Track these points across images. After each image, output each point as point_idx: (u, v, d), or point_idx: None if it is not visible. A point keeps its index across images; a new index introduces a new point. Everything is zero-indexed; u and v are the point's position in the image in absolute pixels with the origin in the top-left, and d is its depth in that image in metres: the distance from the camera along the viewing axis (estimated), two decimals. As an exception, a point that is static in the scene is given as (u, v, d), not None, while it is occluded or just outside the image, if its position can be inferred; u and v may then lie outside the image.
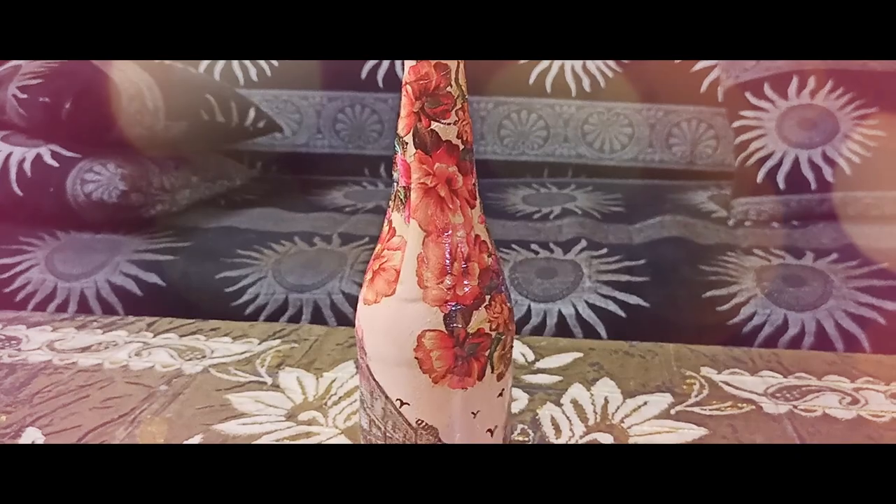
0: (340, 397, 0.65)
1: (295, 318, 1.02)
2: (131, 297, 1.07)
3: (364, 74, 1.48)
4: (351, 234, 1.16)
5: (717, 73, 1.41)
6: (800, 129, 1.24)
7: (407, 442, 0.43)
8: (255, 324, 0.81)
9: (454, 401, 0.43)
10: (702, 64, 1.43)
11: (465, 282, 0.42)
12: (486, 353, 0.43)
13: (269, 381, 0.68)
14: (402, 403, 0.43)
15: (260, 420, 0.61)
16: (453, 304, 0.42)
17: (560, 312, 0.98)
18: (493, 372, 0.44)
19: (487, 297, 0.43)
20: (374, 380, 0.44)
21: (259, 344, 0.75)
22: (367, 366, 0.44)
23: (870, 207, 1.21)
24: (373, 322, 0.43)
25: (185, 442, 0.58)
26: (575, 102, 1.45)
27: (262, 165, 1.51)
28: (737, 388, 0.66)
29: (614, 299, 0.99)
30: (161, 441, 0.58)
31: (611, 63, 1.45)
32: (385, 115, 1.49)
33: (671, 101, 1.43)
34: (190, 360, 0.72)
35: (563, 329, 0.96)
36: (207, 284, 1.06)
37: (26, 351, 0.74)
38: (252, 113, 1.36)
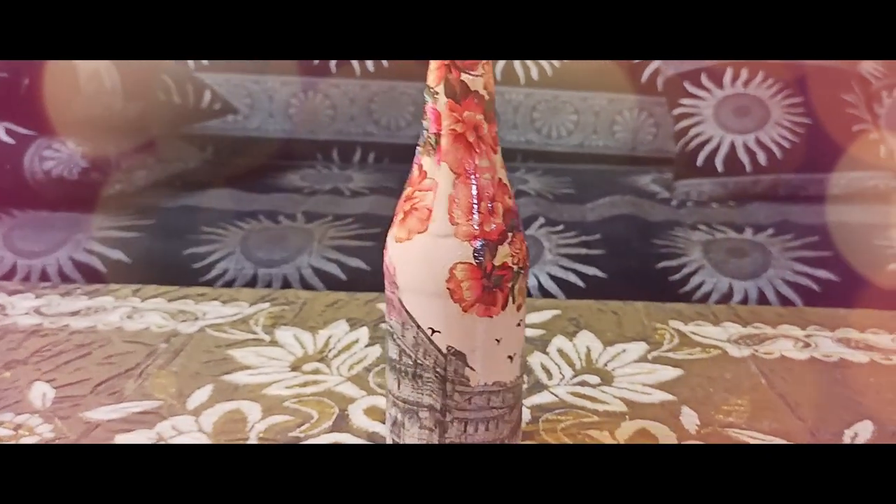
0: (340, 350, 0.68)
1: (265, 292, 1.04)
2: (95, 273, 1.07)
3: (316, 60, 1.50)
4: (315, 213, 1.18)
5: (657, 63, 1.49)
6: (735, 116, 1.33)
7: (437, 368, 0.47)
8: (242, 289, 0.83)
9: (481, 328, 0.47)
10: (642, 55, 1.50)
11: (492, 219, 0.46)
12: (509, 285, 0.47)
13: (266, 338, 0.70)
14: (434, 332, 0.47)
15: (266, 371, 0.64)
16: (481, 239, 0.46)
17: (523, 283, 1.03)
18: (513, 303, 0.48)
19: (510, 235, 0.47)
20: (407, 311, 0.47)
21: (250, 307, 0.77)
22: (399, 298, 0.48)
23: (798, 188, 1.31)
24: (406, 257, 0.47)
25: (196, 392, 0.60)
26: (523, 90, 1.51)
27: (214, 148, 1.51)
28: (703, 336, 0.72)
29: (574, 271, 1.04)
30: (173, 391, 0.60)
31: (557, 53, 1.51)
32: (338, 101, 1.52)
33: (614, 90, 1.51)
34: (184, 321, 0.74)
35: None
36: (174, 260, 1.07)
37: (14, 315, 0.75)
38: (208, 95, 1.36)
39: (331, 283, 1.04)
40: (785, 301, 1.03)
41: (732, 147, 1.30)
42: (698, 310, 0.79)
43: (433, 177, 0.46)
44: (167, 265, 1.07)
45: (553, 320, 0.75)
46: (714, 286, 1.04)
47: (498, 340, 0.48)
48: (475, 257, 0.46)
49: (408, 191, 0.48)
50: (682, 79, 1.39)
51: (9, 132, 1.16)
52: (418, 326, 0.47)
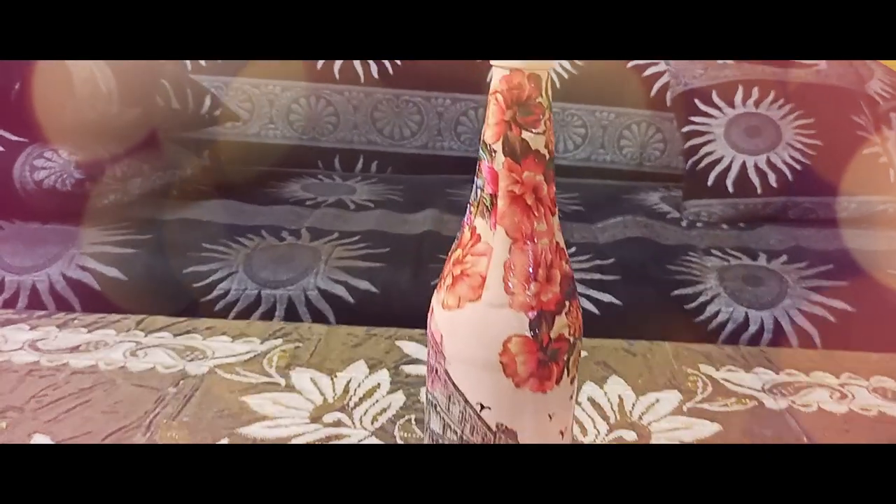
0: (361, 398, 0.64)
1: (268, 315, 1.00)
2: (89, 291, 1.03)
3: (320, 64, 1.46)
4: (319, 229, 1.14)
5: (666, 78, 1.46)
6: (746, 135, 1.30)
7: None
8: (253, 323, 0.80)
9: (533, 404, 0.43)
10: (652, 69, 1.48)
11: (549, 288, 0.43)
12: (565, 358, 0.44)
13: (281, 381, 0.66)
14: (483, 407, 0.43)
15: (284, 422, 0.60)
16: (538, 309, 0.42)
17: (536, 310, 1.00)
18: (567, 375, 0.45)
19: (567, 304, 0.44)
20: (454, 383, 0.44)
21: (261, 343, 0.73)
22: (446, 370, 0.44)
23: (808, 211, 1.29)
24: (455, 326, 0.43)
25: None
26: (530, 102, 1.47)
27: (211, 154, 1.46)
28: (736, 384, 0.69)
29: (590, 298, 1.01)
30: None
31: (566, 64, 1.48)
32: (341, 107, 1.48)
33: (622, 105, 1.48)
34: (192, 360, 0.70)
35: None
36: (173, 279, 1.03)
37: (7, 351, 0.70)
38: (208, 100, 1.32)
39: (338, 306, 1.00)
40: (801, 332, 1.01)
41: (744, 168, 1.27)
42: (728, 353, 0.76)
43: (487, 241, 0.43)
44: (166, 284, 1.03)
45: (581, 363, 0.72)
46: (730, 315, 1.02)
47: (550, 416, 0.44)
48: (531, 329, 0.42)
49: (457, 253, 0.44)
50: (693, 95, 1.36)
51: (-1, 139, 1.11)
52: (466, 401, 0.44)
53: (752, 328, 1.01)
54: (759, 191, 1.27)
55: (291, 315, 1.01)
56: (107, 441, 0.56)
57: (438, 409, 0.45)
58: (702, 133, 1.32)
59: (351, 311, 1.00)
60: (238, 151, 1.48)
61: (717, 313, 1.02)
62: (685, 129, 1.35)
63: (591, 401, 0.66)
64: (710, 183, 1.28)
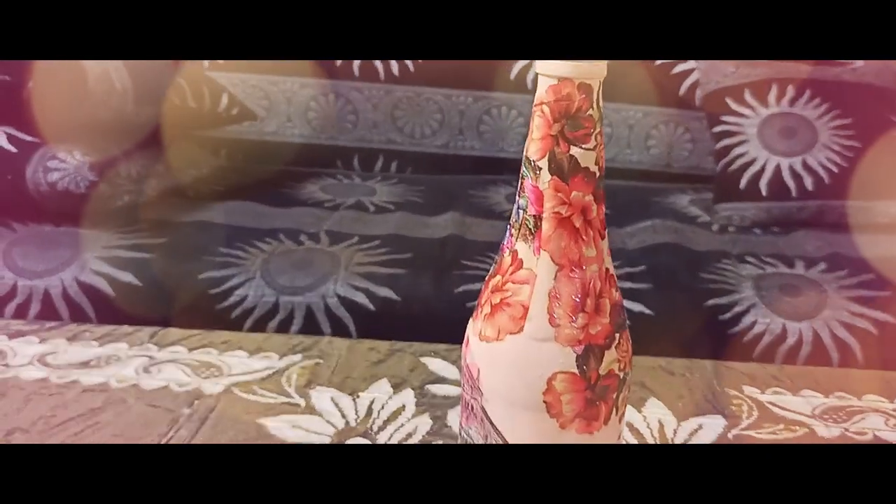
0: (385, 421, 0.61)
1: (286, 323, 0.97)
2: (103, 297, 0.99)
3: (339, 61, 1.42)
4: (338, 233, 1.10)
5: (696, 76, 1.41)
6: (780, 136, 1.25)
7: (525, 490, 0.40)
8: (270, 336, 0.76)
9: (579, 446, 0.40)
10: (681, 67, 1.43)
11: (598, 319, 0.39)
12: (614, 396, 0.40)
13: (301, 402, 0.63)
14: (524, 449, 0.40)
15: (305, 448, 0.57)
16: (586, 343, 0.39)
17: (565, 320, 0.96)
18: (616, 414, 0.41)
19: (617, 336, 0.40)
20: (491, 422, 0.40)
21: (280, 359, 0.70)
22: (483, 407, 0.40)
23: (845, 216, 1.24)
24: (494, 361, 0.40)
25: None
26: (555, 100, 1.43)
27: (228, 153, 1.43)
28: (783, 408, 0.65)
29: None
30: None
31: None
32: (360, 105, 1.44)
33: (650, 103, 1.43)
34: (207, 377, 0.66)
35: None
36: (189, 285, 1.00)
37: (15, 367, 0.67)
38: (225, 98, 1.28)
39: (358, 315, 0.97)
40: (841, 345, 0.96)
41: (778, 170, 1.22)
42: (772, 373, 0.72)
43: (530, 267, 0.39)
44: (181, 290, 1.00)
45: (615, 383, 0.68)
46: (767, 327, 0.97)
47: (597, 459, 0.40)
48: (578, 366, 0.39)
49: (496, 280, 0.40)
50: (724, 94, 1.31)
51: (10, 139, 1.08)
52: (505, 441, 0.40)
53: (791, 340, 0.97)
54: (793, 194, 1.22)
55: (310, 323, 0.97)
56: (117, 469, 0.53)
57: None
58: (734, 133, 1.27)
59: (372, 320, 0.96)
60: (255, 150, 1.44)
61: (753, 324, 0.97)
62: (716, 129, 1.30)
63: (630, 426, 0.62)
64: (742, 185, 1.23)
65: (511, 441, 0.40)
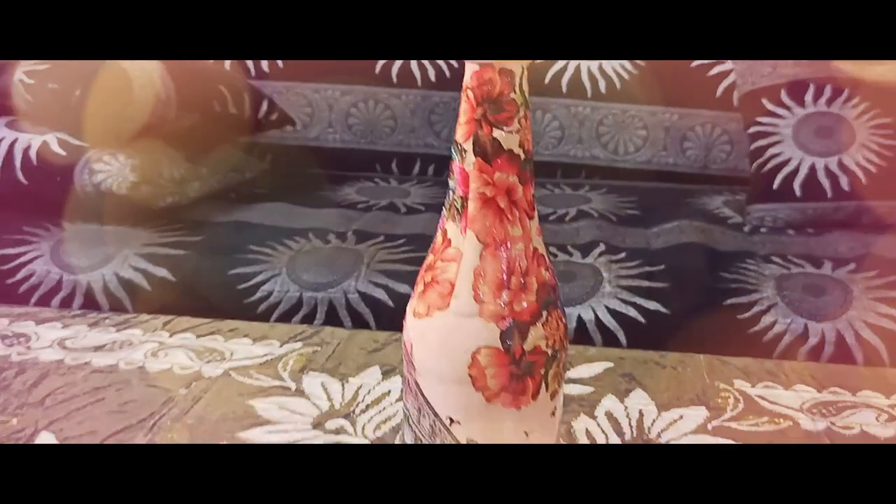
0: (368, 405, 0.63)
1: (309, 317, 1.00)
2: (140, 291, 1.05)
3: (378, 69, 1.46)
4: (366, 232, 1.14)
5: (733, 77, 1.39)
6: (816, 136, 1.23)
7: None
8: (276, 325, 0.80)
9: (507, 420, 0.41)
10: (718, 68, 1.41)
11: (523, 297, 0.40)
12: (542, 372, 0.41)
13: (292, 386, 0.66)
14: (453, 422, 0.41)
15: (286, 428, 0.60)
16: (510, 320, 0.40)
17: (580, 317, 0.96)
18: (547, 391, 0.42)
19: (544, 313, 0.41)
20: (423, 396, 0.42)
21: (280, 346, 0.73)
22: (416, 381, 0.42)
23: (884, 217, 1.20)
24: (424, 336, 0.42)
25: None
26: (590, 103, 1.43)
27: (272, 158, 1.49)
28: (772, 402, 0.65)
29: (635, 305, 0.97)
30: (185, 448, 0.56)
31: (626, 64, 1.43)
32: (398, 111, 1.47)
33: (686, 105, 1.42)
34: (209, 361, 0.70)
35: (582, 335, 0.95)
36: (219, 280, 1.04)
37: (36, 349, 0.72)
38: (265, 105, 1.33)
39: (378, 310, 1.00)
40: (867, 346, 0.94)
41: (813, 170, 1.20)
42: (768, 368, 0.71)
43: (458, 246, 0.41)
44: (211, 286, 1.04)
45: (605, 375, 0.69)
46: (788, 327, 0.95)
47: (527, 433, 0.42)
48: (502, 341, 0.40)
49: (429, 259, 0.42)
50: (760, 95, 1.29)
51: (61, 143, 1.15)
52: (436, 415, 0.42)
53: (813, 340, 0.95)
54: (829, 194, 1.19)
55: (332, 318, 1.00)
56: (108, 441, 0.57)
57: (410, 421, 0.43)
58: (768, 134, 1.25)
59: (390, 315, 0.99)
60: (298, 155, 1.49)
61: (773, 324, 0.96)
62: (751, 129, 1.28)
63: (609, 415, 0.62)
64: (775, 186, 1.21)
65: (441, 414, 0.41)
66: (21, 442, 0.57)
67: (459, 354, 0.40)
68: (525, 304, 0.40)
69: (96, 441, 0.57)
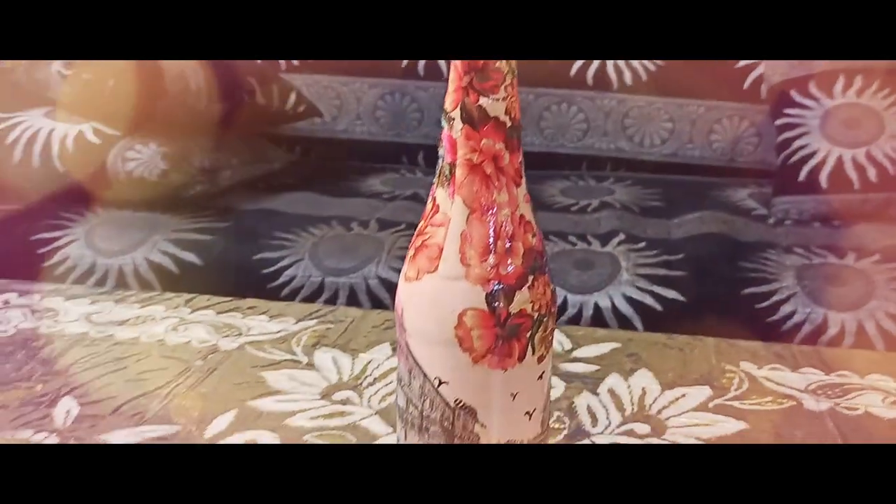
0: (376, 378, 0.65)
1: (331, 301, 1.02)
2: (169, 274, 1.08)
3: (405, 63, 1.48)
4: (388, 220, 1.15)
5: (761, 69, 1.38)
6: (844, 127, 1.22)
7: (444, 422, 0.43)
8: (292, 304, 0.82)
9: (493, 381, 0.42)
10: (745, 61, 1.40)
11: (509, 261, 0.42)
12: (528, 335, 0.42)
13: (304, 359, 0.68)
14: (441, 382, 0.42)
15: (295, 397, 0.61)
16: (496, 283, 0.41)
17: (596, 305, 0.97)
18: (533, 354, 0.43)
19: (530, 278, 0.42)
20: (413, 357, 0.43)
21: (295, 323, 0.75)
22: (406, 343, 0.44)
23: (916, 209, 1.18)
24: (413, 299, 0.43)
25: (217, 419, 0.58)
26: (616, 96, 1.43)
27: (302, 150, 1.52)
28: (777, 383, 0.65)
29: (651, 293, 0.97)
30: (195, 415, 0.59)
31: (653, 57, 1.43)
32: (424, 104, 1.49)
33: (713, 98, 1.41)
34: (227, 336, 0.72)
35: (598, 321, 0.95)
36: (245, 265, 1.07)
37: (64, 322, 0.75)
38: (293, 97, 1.36)
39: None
40: (888, 337, 0.93)
41: (840, 162, 1.19)
42: (777, 351, 0.71)
43: (446, 211, 0.42)
44: (237, 270, 1.07)
45: (611, 354, 0.69)
46: (807, 317, 0.95)
47: (514, 395, 0.43)
48: (488, 303, 0.41)
49: (420, 225, 0.44)
50: (788, 86, 1.28)
51: (96, 132, 1.19)
52: (425, 375, 0.43)
53: (832, 331, 0.94)
54: (856, 186, 1.18)
55: (352, 302, 1.02)
56: (122, 407, 0.59)
57: (402, 383, 0.45)
58: (795, 126, 1.24)
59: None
60: (326, 147, 1.52)
61: (792, 314, 0.95)
62: (778, 122, 1.28)
63: (611, 392, 0.63)
64: (801, 178, 1.20)
65: (430, 374, 0.43)
66: (43, 406, 0.60)
67: (446, 316, 0.41)
68: (511, 268, 0.42)
69: (112, 408, 0.59)
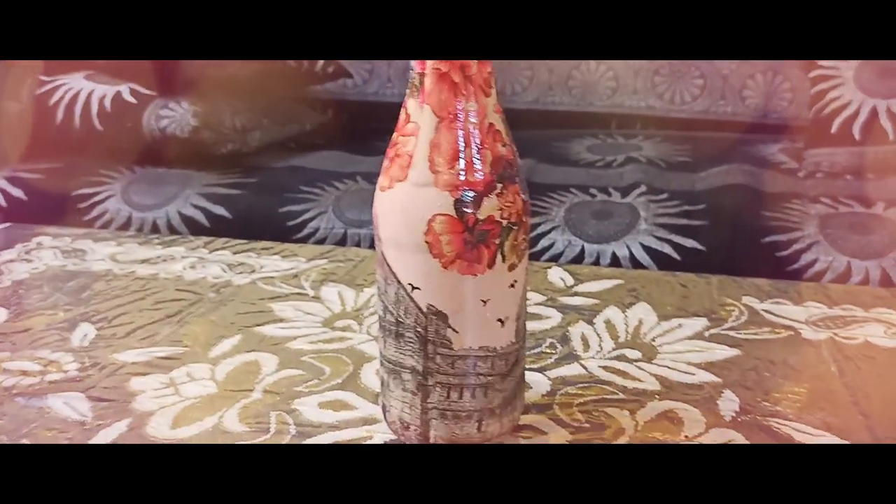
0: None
1: (351, 252, 1.05)
2: (199, 227, 1.11)
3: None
4: (410, 175, 1.17)
5: (796, 21, 1.35)
6: (879, 77, 1.18)
7: (418, 327, 0.44)
8: (305, 245, 0.84)
9: (464, 287, 0.44)
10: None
11: (478, 168, 0.43)
12: (497, 242, 0.43)
13: (311, 293, 0.70)
14: (414, 288, 0.44)
15: (298, 325, 0.64)
16: (464, 189, 0.42)
17: (614, 254, 0.97)
18: (504, 262, 0.44)
19: (499, 186, 0.43)
20: (388, 265, 0.45)
21: (306, 262, 0.77)
22: (382, 251, 0.45)
23: (955, 161, 1.15)
24: (386, 207, 0.44)
25: (222, 342, 0.61)
26: (646, 52, 1.41)
27: (334, 112, 1.54)
28: (777, 315, 0.65)
29: (670, 242, 0.97)
30: (202, 339, 0.61)
31: (685, 11, 1.41)
32: (453, 64, 1.49)
33: (747, 52, 1.38)
34: (240, 273, 0.75)
35: (614, 269, 0.95)
36: (270, 217, 1.10)
37: (89, 261, 0.79)
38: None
39: (415, 246, 1.03)
40: (915, 285, 0.91)
41: (874, 112, 1.16)
42: (781, 287, 0.71)
43: (416, 120, 0.43)
44: (264, 221, 1.10)
45: (612, 290, 0.70)
46: (829, 265, 0.93)
47: (484, 302, 0.44)
48: (456, 209, 0.43)
49: (394, 136, 0.45)
50: (823, 37, 1.25)
51: (132, 92, 1.23)
52: (399, 282, 0.44)
53: (856, 279, 0.93)
54: (891, 137, 1.15)
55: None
56: (136, 332, 0.62)
57: (380, 291, 0.46)
58: (829, 77, 1.21)
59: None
60: (358, 109, 1.54)
61: (813, 262, 0.94)
62: (812, 73, 1.25)
63: (607, 322, 0.64)
64: (833, 130, 1.18)
65: (403, 280, 0.44)
66: (63, 330, 0.63)
67: (416, 222, 0.43)
68: (479, 175, 0.43)
69: (127, 331, 0.63)
